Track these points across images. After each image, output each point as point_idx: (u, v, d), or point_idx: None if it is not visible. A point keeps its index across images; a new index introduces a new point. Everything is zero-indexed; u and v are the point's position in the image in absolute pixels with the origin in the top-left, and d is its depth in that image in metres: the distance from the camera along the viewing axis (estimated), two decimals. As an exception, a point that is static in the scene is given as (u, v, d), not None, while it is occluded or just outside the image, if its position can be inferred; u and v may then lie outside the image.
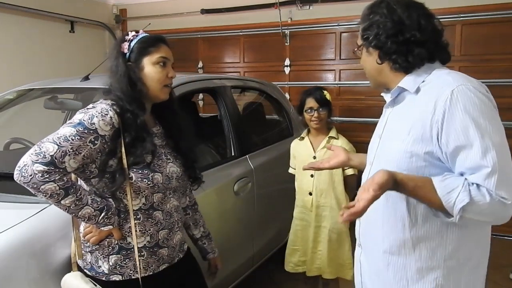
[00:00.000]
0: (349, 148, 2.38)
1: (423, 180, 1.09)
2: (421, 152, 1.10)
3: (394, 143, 1.16)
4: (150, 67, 1.40)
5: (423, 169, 1.11)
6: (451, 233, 1.14)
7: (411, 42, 1.14)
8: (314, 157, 2.37)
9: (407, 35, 1.14)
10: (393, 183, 1.06)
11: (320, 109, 2.33)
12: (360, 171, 1.44)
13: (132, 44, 1.40)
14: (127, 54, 1.40)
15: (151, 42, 1.41)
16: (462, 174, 1.06)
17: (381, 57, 1.19)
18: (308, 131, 2.48)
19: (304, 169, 1.67)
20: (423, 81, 1.16)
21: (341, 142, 2.37)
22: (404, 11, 1.15)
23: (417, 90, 1.16)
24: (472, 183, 1.03)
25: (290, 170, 2.58)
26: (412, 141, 1.11)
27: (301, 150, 2.46)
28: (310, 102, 2.35)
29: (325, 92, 2.40)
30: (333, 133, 2.43)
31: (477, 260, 1.19)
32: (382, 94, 1.33)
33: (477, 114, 1.04)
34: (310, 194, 2.39)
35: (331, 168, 1.60)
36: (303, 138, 2.47)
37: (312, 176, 2.37)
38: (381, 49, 1.18)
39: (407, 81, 1.18)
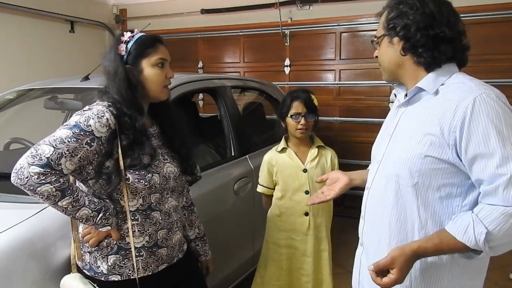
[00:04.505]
0: (336, 158, 2.17)
1: (438, 234, 1.09)
2: (436, 156, 1.09)
3: (407, 143, 1.15)
4: (149, 69, 1.38)
5: (436, 172, 1.10)
6: None
7: (439, 38, 1.14)
8: (305, 170, 2.08)
9: (437, 30, 1.13)
10: (412, 253, 1.08)
11: (308, 115, 2.03)
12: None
13: (129, 45, 1.37)
14: (125, 56, 1.37)
15: (149, 43, 1.39)
16: (479, 183, 1.06)
17: (407, 49, 1.17)
18: (286, 141, 2.16)
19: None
20: (442, 84, 1.15)
21: (330, 153, 2.15)
22: (436, 5, 1.15)
23: (436, 92, 1.15)
24: (480, 209, 1.04)
25: (261, 189, 2.20)
26: (428, 144, 1.10)
27: (285, 163, 2.11)
28: (298, 107, 2.03)
29: (313, 96, 2.08)
30: (319, 142, 2.15)
31: (481, 266, 1.19)
32: (394, 92, 1.32)
33: (500, 123, 1.03)
34: (306, 214, 2.08)
35: (337, 196, 1.47)
36: (285, 149, 2.12)
37: (307, 192, 2.06)
38: (409, 40, 1.16)
39: (427, 82, 1.16)
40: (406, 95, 1.24)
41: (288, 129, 2.10)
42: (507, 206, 1.01)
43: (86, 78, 2.31)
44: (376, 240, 1.25)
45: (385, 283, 1.09)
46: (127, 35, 1.38)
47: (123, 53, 1.37)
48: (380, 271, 1.10)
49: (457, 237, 1.05)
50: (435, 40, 1.14)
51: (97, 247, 1.37)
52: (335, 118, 4.35)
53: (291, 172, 2.10)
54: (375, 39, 1.26)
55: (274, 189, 2.19)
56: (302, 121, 2.03)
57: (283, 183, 2.12)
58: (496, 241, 1.03)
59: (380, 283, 1.10)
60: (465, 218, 1.05)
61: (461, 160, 1.08)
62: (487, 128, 1.03)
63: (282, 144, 2.15)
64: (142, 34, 1.41)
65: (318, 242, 2.13)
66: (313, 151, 2.11)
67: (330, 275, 2.18)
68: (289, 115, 2.06)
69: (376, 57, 1.28)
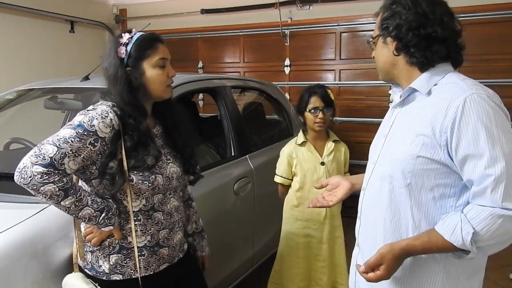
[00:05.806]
0: (348, 152, 2.29)
1: (427, 233, 1.10)
2: (428, 156, 1.09)
3: (401, 144, 1.16)
4: (150, 71, 1.37)
5: (428, 172, 1.11)
6: None
7: (431, 38, 1.13)
8: (322, 163, 2.18)
9: (429, 30, 1.13)
10: (401, 251, 1.09)
11: (325, 109, 2.14)
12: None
13: (129, 48, 1.35)
14: (125, 59, 1.35)
15: (148, 44, 1.37)
16: (470, 183, 1.06)
17: (399, 49, 1.17)
18: (304, 134, 2.26)
19: (310, 207, 1.49)
20: (436, 84, 1.15)
21: (344, 147, 2.27)
22: (429, 5, 1.14)
23: (429, 93, 1.15)
24: (469, 210, 1.04)
25: (279, 180, 2.29)
26: (420, 144, 1.10)
27: (305, 157, 2.21)
28: (316, 101, 2.14)
29: (329, 91, 2.20)
30: (334, 136, 2.26)
31: (477, 266, 1.18)
32: (390, 92, 1.32)
33: (490, 123, 1.03)
34: None
35: (340, 201, 1.47)
36: (304, 142, 2.23)
37: None
38: (401, 40, 1.16)
39: (420, 82, 1.16)
40: (401, 96, 1.24)
41: (307, 123, 2.21)
42: (495, 207, 1.01)
43: (86, 78, 2.31)
44: (371, 241, 1.26)
45: (369, 277, 1.11)
46: (125, 37, 1.37)
47: (123, 56, 1.35)
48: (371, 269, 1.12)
49: (445, 237, 1.05)
50: (427, 40, 1.14)
51: (99, 247, 1.37)
52: (335, 118, 4.35)
53: (310, 165, 2.20)
54: (371, 39, 1.27)
55: (291, 179, 2.28)
56: (320, 115, 2.14)
57: (302, 175, 2.22)
58: (483, 242, 1.03)
59: (365, 277, 1.12)
60: (454, 218, 1.06)
61: (452, 161, 1.08)
62: (476, 128, 1.03)
63: (301, 137, 2.24)
64: (141, 34, 1.39)
65: (333, 230, 2.24)
66: (330, 145, 2.23)
67: (345, 259, 2.27)
68: (307, 110, 2.16)
69: (374, 57, 1.28)
